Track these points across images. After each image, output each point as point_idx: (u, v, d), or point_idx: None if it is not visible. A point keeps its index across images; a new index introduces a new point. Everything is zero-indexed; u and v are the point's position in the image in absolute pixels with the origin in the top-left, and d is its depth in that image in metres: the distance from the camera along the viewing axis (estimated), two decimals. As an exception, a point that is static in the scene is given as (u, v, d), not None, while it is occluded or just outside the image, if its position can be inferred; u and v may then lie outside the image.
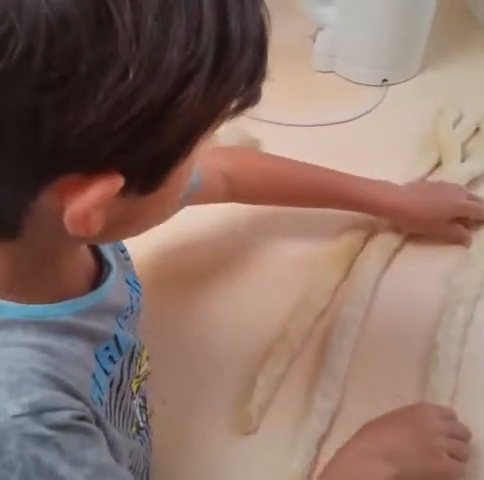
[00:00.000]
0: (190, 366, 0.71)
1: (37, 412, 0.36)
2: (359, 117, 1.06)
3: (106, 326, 0.48)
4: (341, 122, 1.05)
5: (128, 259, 0.60)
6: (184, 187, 0.42)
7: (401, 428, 0.60)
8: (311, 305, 0.76)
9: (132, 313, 0.54)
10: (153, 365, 0.59)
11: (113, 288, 0.49)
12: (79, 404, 0.39)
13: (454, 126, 1.00)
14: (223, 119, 0.38)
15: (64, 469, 0.36)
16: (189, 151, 0.37)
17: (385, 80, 1.12)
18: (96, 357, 0.46)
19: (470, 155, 0.96)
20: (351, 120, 1.05)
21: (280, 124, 1.02)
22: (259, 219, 0.87)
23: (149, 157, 0.35)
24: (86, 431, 0.39)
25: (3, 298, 0.41)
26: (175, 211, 0.69)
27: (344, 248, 0.83)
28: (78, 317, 0.44)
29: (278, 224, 0.87)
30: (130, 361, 0.52)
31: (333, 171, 0.80)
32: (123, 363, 0.51)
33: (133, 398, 0.54)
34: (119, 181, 0.34)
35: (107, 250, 0.51)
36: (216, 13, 0.33)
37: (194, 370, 0.70)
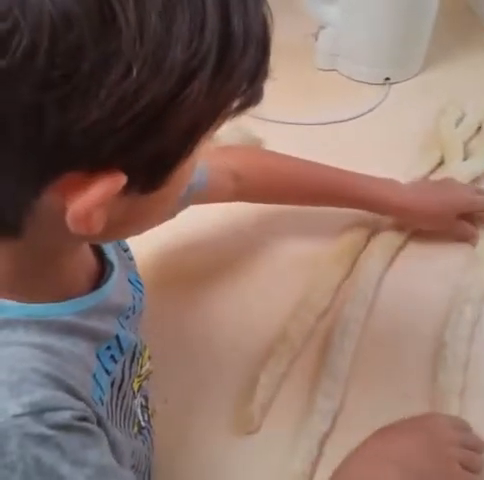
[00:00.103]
0: (192, 365, 0.71)
1: (38, 412, 0.36)
2: (361, 116, 1.06)
3: (108, 326, 0.48)
4: (343, 121, 1.05)
5: (131, 259, 0.60)
6: (186, 186, 0.42)
7: (413, 436, 0.58)
8: (313, 304, 0.76)
9: (134, 313, 0.54)
10: (155, 364, 0.59)
11: (115, 288, 0.49)
12: (80, 404, 0.39)
13: (456, 125, 1.00)
14: (225, 118, 0.38)
15: (65, 469, 0.36)
16: (191, 150, 0.37)
17: (387, 79, 1.12)
18: (97, 357, 0.46)
19: (472, 154, 0.96)
20: (353, 119, 1.05)
21: (282, 123, 1.02)
22: (261, 218, 0.86)
23: (151, 155, 0.35)
24: (87, 432, 0.39)
25: (5, 297, 0.41)
26: (180, 210, 0.69)
27: (346, 246, 0.83)
28: (80, 317, 0.44)
29: (279, 223, 0.86)
30: (131, 361, 0.52)
31: (336, 169, 0.80)
32: (124, 363, 0.50)
33: (134, 398, 0.53)
34: (121, 180, 0.34)
35: (110, 250, 0.51)
36: (219, 11, 0.33)
37: (196, 369, 0.70)
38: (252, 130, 0.94)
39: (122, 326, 0.51)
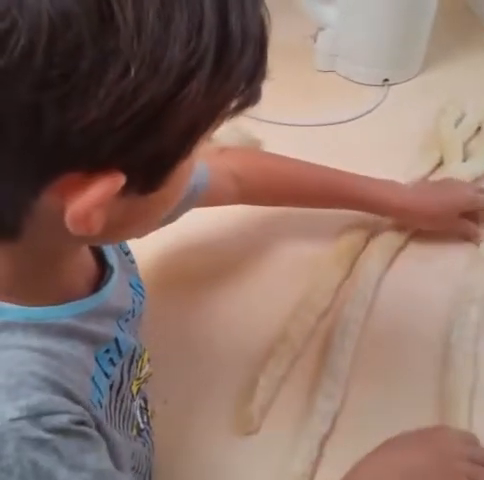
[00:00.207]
0: (191, 366, 0.71)
1: (35, 415, 0.36)
2: (360, 117, 1.06)
3: (107, 329, 0.48)
4: (342, 122, 1.05)
5: (133, 262, 0.59)
6: (184, 187, 0.41)
7: (421, 449, 0.58)
8: (313, 305, 0.76)
9: (134, 316, 0.54)
10: (155, 366, 0.59)
11: (115, 291, 0.49)
12: (78, 408, 0.39)
13: (456, 125, 1.00)
14: (223, 118, 0.38)
15: (62, 474, 0.36)
16: (189, 151, 0.37)
17: (386, 80, 1.12)
18: (96, 360, 0.46)
19: (472, 154, 0.96)
20: (352, 120, 1.05)
21: (281, 124, 1.02)
22: (261, 220, 0.86)
23: (150, 156, 0.35)
24: (85, 436, 0.38)
25: (3, 300, 0.40)
26: (183, 212, 0.69)
27: (346, 247, 0.83)
28: (79, 320, 0.44)
29: (279, 224, 0.86)
30: (130, 363, 0.52)
31: (336, 170, 0.80)
32: (123, 366, 0.50)
33: (133, 400, 0.53)
34: (120, 180, 0.34)
35: (110, 253, 0.51)
36: (217, 11, 0.33)
37: (195, 370, 0.70)
38: (251, 131, 0.94)
39: (121, 329, 0.50)
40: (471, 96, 1.05)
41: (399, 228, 0.84)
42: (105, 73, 0.30)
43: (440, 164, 0.95)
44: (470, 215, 0.83)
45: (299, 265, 0.81)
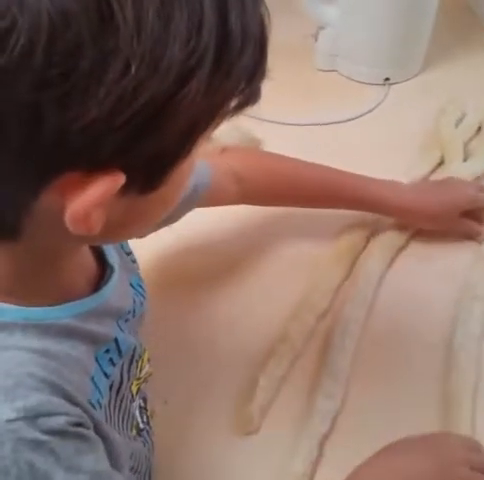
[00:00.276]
0: (191, 367, 0.71)
1: (32, 417, 0.36)
2: (361, 116, 1.06)
3: (107, 329, 0.48)
4: (343, 121, 1.05)
5: (134, 261, 0.59)
6: (184, 187, 0.41)
7: (423, 454, 0.57)
8: (313, 305, 0.76)
9: (134, 316, 0.54)
10: (155, 366, 0.59)
11: (115, 291, 0.49)
12: (76, 410, 0.39)
13: (456, 125, 1.00)
14: (223, 118, 0.38)
15: (59, 475, 0.36)
16: (189, 150, 0.37)
17: (387, 79, 1.12)
18: (96, 360, 0.45)
19: (472, 154, 0.96)
20: (353, 119, 1.05)
21: (282, 123, 1.02)
22: (261, 220, 0.86)
23: (149, 155, 0.35)
24: (82, 437, 0.38)
25: (3, 301, 0.40)
26: (185, 212, 0.69)
27: (346, 247, 0.83)
28: (79, 320, 0.44)
29: (279, 224, 0.86)
30: (130, 363, 0.52)
31: (336, 170, 0.80)
32: (123, 366, 0.50)
33: (133, 400, 0.53)
34: (120, 179, 0.34)
35: (111, 252, 0.51)
36: (217, 10, 0.33)
37: (196, 371, 0.70)
38: (251, 131, 0.94)
39: (121, 329, 0.50)
40: (471, 96, 1.05)
41: (400, 227, 0.84)
42: (105, 72, 0.30)
43: (440, 164, 0.95)
44: (472, 214, 0.82)
45: (299, 265, 0.81)
